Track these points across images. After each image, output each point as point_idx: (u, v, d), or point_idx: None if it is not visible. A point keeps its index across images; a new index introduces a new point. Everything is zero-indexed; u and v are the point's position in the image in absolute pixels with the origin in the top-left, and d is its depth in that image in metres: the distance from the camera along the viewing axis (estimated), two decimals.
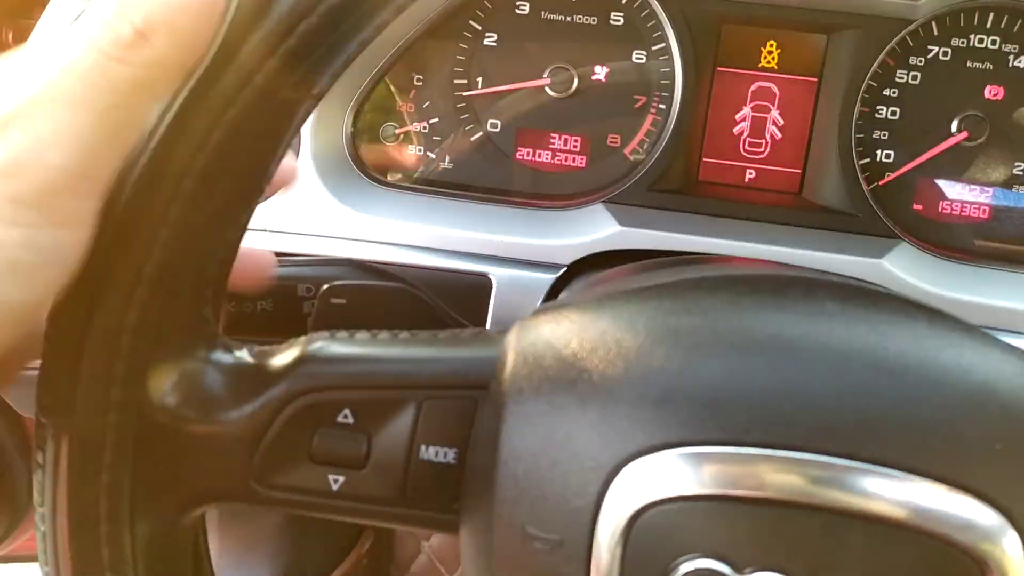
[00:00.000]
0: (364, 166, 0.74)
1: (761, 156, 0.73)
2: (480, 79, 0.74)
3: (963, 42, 0.69)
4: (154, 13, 0.30)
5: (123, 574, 0.34)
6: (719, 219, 0.70)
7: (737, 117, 0.72)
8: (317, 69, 0.32)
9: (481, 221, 0.69)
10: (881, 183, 0.71)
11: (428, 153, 0.75)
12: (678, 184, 0.72)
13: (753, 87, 0.72)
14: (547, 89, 0.73)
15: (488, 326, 0.65)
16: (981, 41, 0.69)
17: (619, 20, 0.72)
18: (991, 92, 0.69)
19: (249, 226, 0.35)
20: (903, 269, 0.65)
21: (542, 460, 0.32)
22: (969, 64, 0.69)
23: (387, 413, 0.35)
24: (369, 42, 0.33)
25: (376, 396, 0.35)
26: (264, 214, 0.67)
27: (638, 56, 0.72)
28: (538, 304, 0.65)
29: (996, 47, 0.69)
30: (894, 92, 0.70)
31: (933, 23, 0.69)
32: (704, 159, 0.73)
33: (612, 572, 0.31)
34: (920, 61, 0.70)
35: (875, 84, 0.70)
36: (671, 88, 0.71)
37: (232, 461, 0.35)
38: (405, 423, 0.35)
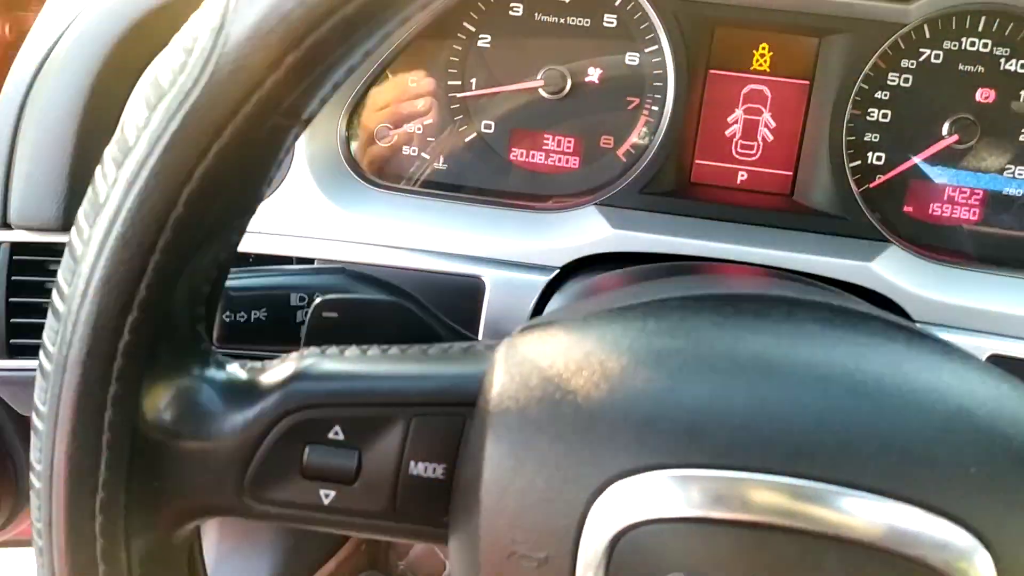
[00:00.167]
0: (358, 167, 0.74)
1: (753, 158, 0.73)
2: (474, 80, 0.74)
3: (955, 45, 0.70)
4: None
5: None
6: (710, 223, 0.70)
7: (729, 119, 0.73)
8: (307, 96, 0.32)
9: (475, 223, 0.70)
10: (872, 185, 0.72)
11: (422, 154, 0.75)
12: (671, 186, 0.73)
13: (745, 89, 0.72)
14: (540, 90, 0.73)
15: (481, 328, 0.66)
16: (973, 44, 0.69)
17: (612, 22, 0.72)
18: (983, 95, 0.70)
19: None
20: (892, 272, 0.66)
21: (527, 478, 0.33)
22: (961, 67, 0.70)
23: (377, 429, 0.36)
24: (356, 68, 0.33)
25: (366, 413, 0.36)
26: (258, 216, 0.67)
27: (631, 58, 0.72)
28: (530, 306, 0.66)
29: (988, 50, 0.69)
30: (885, 95, 0.71)
31: (925, 26, 0.69)
32: (696, 161, 0.73)
33: None
34: (912, 64, 0.70)
35: (866, 87, 0.70)
36: (664, 90, 0.72)
37: (225, 476, 0.36)
38: (395, 439, 0.36)
